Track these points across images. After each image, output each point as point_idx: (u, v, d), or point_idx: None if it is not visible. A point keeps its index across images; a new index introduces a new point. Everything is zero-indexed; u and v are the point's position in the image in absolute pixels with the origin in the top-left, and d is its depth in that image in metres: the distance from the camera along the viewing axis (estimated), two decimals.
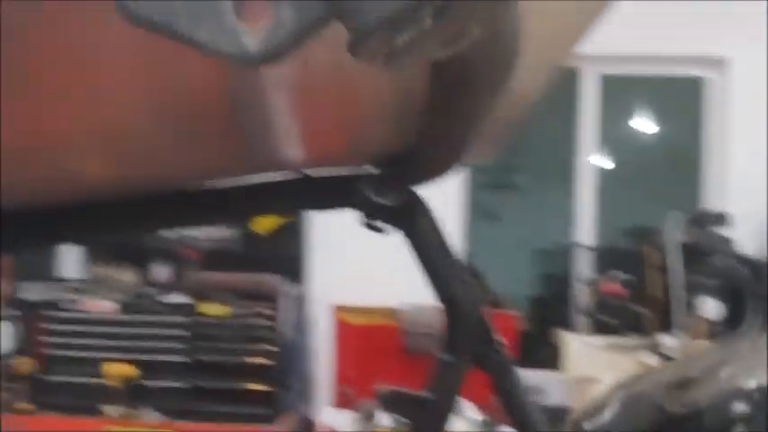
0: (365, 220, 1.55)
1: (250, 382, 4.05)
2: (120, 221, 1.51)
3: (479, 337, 1.60)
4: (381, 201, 1.47)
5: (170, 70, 0.76)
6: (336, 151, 1.39)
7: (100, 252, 4.78)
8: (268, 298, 4.21)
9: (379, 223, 1.58)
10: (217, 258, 4.48)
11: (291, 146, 1.37)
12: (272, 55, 0.22)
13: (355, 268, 4.31)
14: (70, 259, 5.04)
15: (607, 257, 4.80)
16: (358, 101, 1.05)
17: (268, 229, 4.42)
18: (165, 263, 4.56)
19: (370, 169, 1.43)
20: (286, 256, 4.48)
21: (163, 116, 1.00)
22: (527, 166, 5.96)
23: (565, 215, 5.05)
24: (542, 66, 0.91)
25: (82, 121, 0.98)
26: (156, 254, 4.60)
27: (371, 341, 4.25)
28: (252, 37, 0.21)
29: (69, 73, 0.74)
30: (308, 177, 1.49)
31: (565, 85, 5.03)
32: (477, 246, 5.61)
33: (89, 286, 4.44)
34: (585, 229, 4.95)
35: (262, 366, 4.07)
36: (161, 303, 4.24)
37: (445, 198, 4.75)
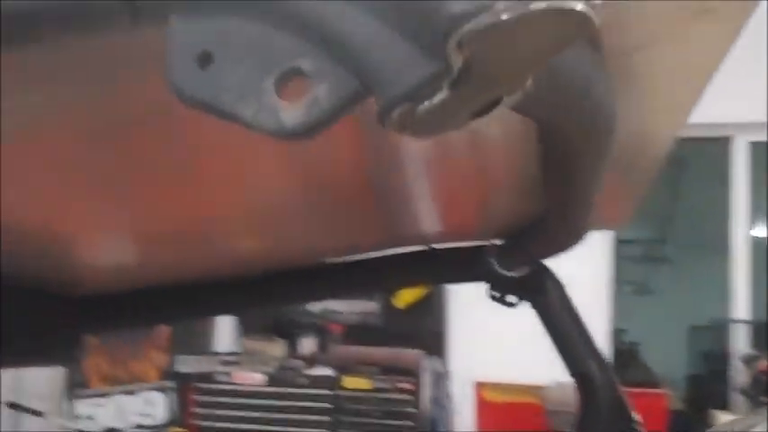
0: (492, 292, 1.55)
1: None
2: (269, 294, 1.61)
3: (615, 414, 1.54)
4: (508, 273, 1.47)
5: (313, 156, 0.84)
6: (469, 225, 1.42)
7: (251, 326, 4.99)
8: (409, 373, 4.22)
9: (508, 296, 1.58)
10: (359, 332, 4.56)
11: (427, 221, 1.41)
12: (309, 130, 0.25)
13: (497, 343, 4.25)
14: (223, 333, 5.29)
15: (765, 333, 4.49)
16: (489, 177, 1.08)
17: (408, 303, 4.47)
18: (310, 336, 4.69)
19: (497, 242, 1.44)
20: (426, 331, 4.50)
21: (308, 198, 1.08)
22: (678, 239, 5.74)
23: (719, 288, 4.79)
24: (666, 122, 0.91)
25: (237, 206, 1.09)
26: (302, 327, 4.75)
27: (513, 419, 4.15)
28: (290, 113, 0.25)
29: (226, 165, 0.83)
30: (434, 250, 1.52)
31: (715, 154, 4.84)
32: (629, 321, 5.40)
33: (240, 359, 4.62)
34: (741, 302, 4.67)
35: None
36: (306, 376, 4.34)
37: (594, 272, 4.66)
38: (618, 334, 5.49)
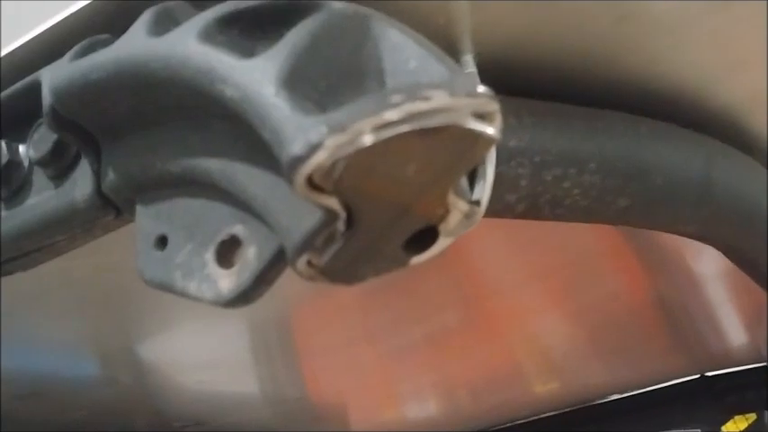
0: None
1: None
2: None
3: None
4: None
5: (598, 293, 0.84)
6: (745, 346, 1.28)
7: None
8: None
9: None
10: None
11: (707, 345, 1.30)
12: (242, 296, 0.25)
13: None
14: None
15: None
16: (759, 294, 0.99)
17: None
18: None
19: None
20: None
21: (594, 334, 1.07)
22: None
23: None
24: None
25: (531, 353, 1.12)
26: None
27: None
28: (226, 281, 0.25)
29: (521, 327, 0.89)
30: (709, 377, 1.38)
31: None
32: None
33: None
34: None
35: None
36: None
37: None
38: None
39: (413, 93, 0.21)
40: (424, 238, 0.25)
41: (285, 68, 0.22)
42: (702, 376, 1.32)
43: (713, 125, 0.46)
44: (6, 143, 0.32)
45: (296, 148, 0.21)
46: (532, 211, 0.39)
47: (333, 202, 0.22)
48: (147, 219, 0.28)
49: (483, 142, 0.22)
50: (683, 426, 4.07)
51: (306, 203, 0.22)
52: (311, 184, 0.21)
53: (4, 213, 0.33)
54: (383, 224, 0.23)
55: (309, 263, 0.24)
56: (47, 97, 0.29)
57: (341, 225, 0.23)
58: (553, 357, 1.20)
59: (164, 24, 0.26)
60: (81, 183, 0.30)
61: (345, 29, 0.24)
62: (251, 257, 0.25)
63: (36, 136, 0.31)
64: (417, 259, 0.25)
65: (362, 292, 0.69)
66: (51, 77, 0.28)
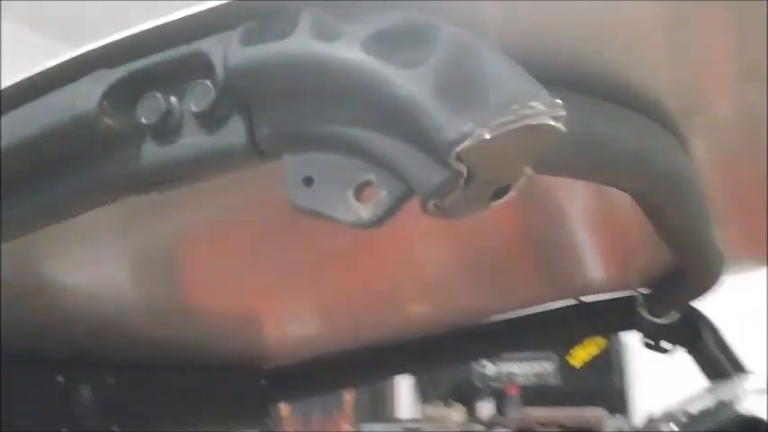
0: (646, 340, 1.59)
1: None
2: (442, 353, 1.74)
3: None
4: (658, 320, 1.51)
5: (474, 227, 0.97)
6: (619, 276, 1.49)
7: (430, 393, 5.10)
8: None
9: (662, 343, 1.60)
10: (536, 393, 4.54)
11: (580, 275, 1.49)
12: (378, 221, 0.37)
13: (682, 398, 4.09)
14: (404, 401, 5.43)
15: None
16: (632, 232, 1.16)
17: (584, 361, 4.41)
18: (488, 400, 4.72)
19: (644, 291, 1.49)
20: (606, 389, 4.40)
21: (471, 263, 1.22)
22: None
23: None
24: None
25: (410, 280, 1.25)
26: (479, 392, 4.80)
27: None
28: (365, 212, 0.37)
29: (394, 247, 0.99)
30: (587, 303, 1.59)
31: None
32: None
33: (421, 425, 4.72)
34: None
35: None
36: None
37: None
38: None
39: (523, 103, 0.34)
40: (501, 190, 0.39)
41: (438, 81, 0.35)
42: (578, 302, 1.52)
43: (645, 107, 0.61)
44: (162, 96, 0.42)
45: (452, 135, 0.34)
46: None
47: (462, 167, 0.35)
48: (296, 163, 0.40)
49: (556, 133, 0.36)
50: (550, 348, 4.44)
51: (436, 164, 0.35)
52: (456, 156, 0.34)
53: (154, 148, 0.43)
54: (487, 182, 0.37)
55: (435, 204, 0.37)
56: (220, 72, 0.39)
57: (462, 181, 0.36)
58: (429, 282, 1.31)
59: (324, 31, 0.38)
60: (236, 133, 0.41)
61: (464, 51, 0.36)
62: (383, 197, 0.38)
63: (195, 93, 0.42)
64: (495, 204, 0.39)
65: (254, 223, 0.77)
66: (227, 56, 0.39)
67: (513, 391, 4.63)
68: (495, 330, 1.70)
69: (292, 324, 1.51)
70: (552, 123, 0.35)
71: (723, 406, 0.47)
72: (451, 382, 4.98)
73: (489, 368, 4.82)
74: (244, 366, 1.65)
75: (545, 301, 1.62)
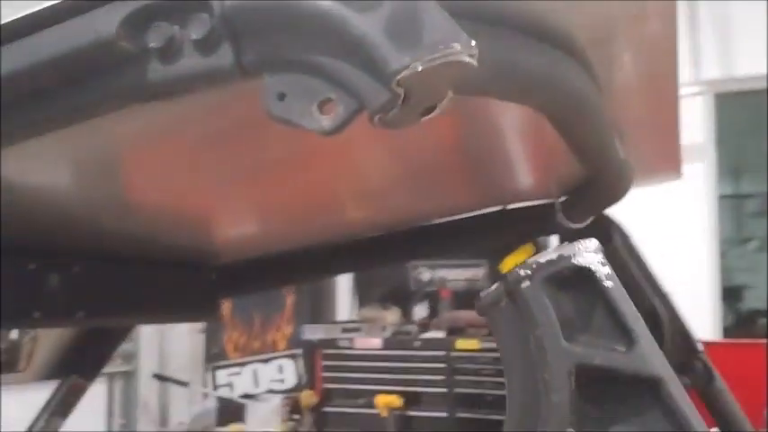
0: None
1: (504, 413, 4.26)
2: (380, 254, 1.88)
3: (679, 344, 1.73)
4: (574, 225, 1.69)
5: (409, 143, 1.09)
6: (539, 185, 1.64)
7: (367, 297, 5.33)
8: None
9: None
10: (467, 297, 4.80)
11: (506, 184, 1.64)
12: (336, 129, 0.50)
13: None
14: (343, 304, 5.66)
15: None
16: (550, 144, 1.31)
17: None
18: (422, 303, 4.98)
19: (561, 199, 1.66)
20: None
21: (406, 176, 1.34)
22: None
23: None
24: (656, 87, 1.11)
25: (349, 187, 1.36)
26: (414, 295, 5.05)
27: None
28: (327, 122, 0.50)
29: (339, 160, 1.10)
30: (507, 210, 1.75)
31: None
32: (756, 277, 5.40)
33: (360, 326, 4.97)
34: None
35: None
36: (420, 339, 4.63)
37: (701, 228, 4.69)
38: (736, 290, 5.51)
39: (447, 44, 0.47)
40: (429, 108, 0.52)
41: (387, 23, 0.47)
42: (503, 209, 1.68)
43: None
44: (168, 24, 0.54)
45: (394, 66, 0.46)
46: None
47: (400, 90, 0.48)
48: (272, 82, 0.52)
49: (470, 67, 0.49)
50: (479, 253, 4.64)
51: (382, 88, 0.48)
52: (396, 82, 0.47)
53: (159, 67, 0.54)
54: (418, 102, 0.50)
55: (380, 118, 0.50)
56: (218, 8, 0.51)
57: (400, 101, 0.49)
58: (368, 188, 1.42)
59: None
60: (226, 57, 0.53)
61: (409, 7, 0.48)
62: (341, 111, 0.51)
63: (195, 24, 0.53)
64: (424, 119, 0.52)
65: (205, 130, 0.86)
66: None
67: (446, 295, 4.89)
68: (429, 233, 1.84)
69: (239, 224, 1.64)
70: (467, 60, 0.48)
71: (562, 257, 0.59)
72: (388, 286, 5.22)
73: (424, 274, 5.06)
74: (195, 263, 1.78)
75: (476, 209, 1.77)
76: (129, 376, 5.06)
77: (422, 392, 4.51)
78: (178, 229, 1.49)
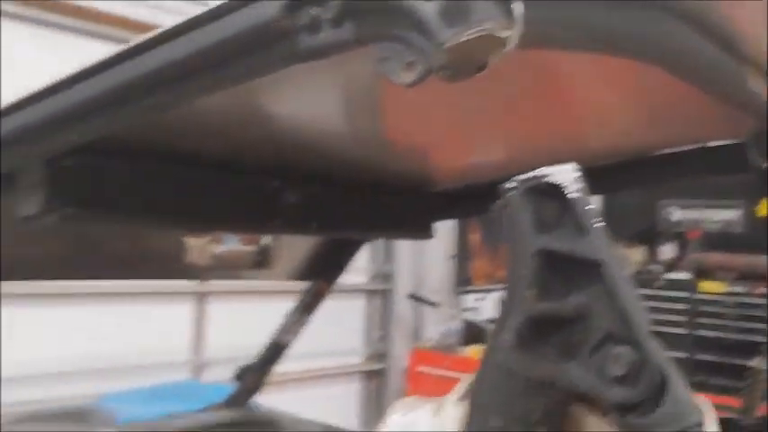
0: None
1: (746, 358, 4.13)
2: (607, 182, 1.97)
3: None
4: (764, 164, 1.70)
5: (640, 80, 1.22)
6: (731, 125, 1.65)
7: (615, 234, 5.33)
8: (765, 279, 4.23)
9: None
10: (719, 239, 4.64)
11: (705, 122, 1.68)
12: (413, 83, 0.71)
13: None
14: None
15: None
16: None
17: None
18: (670, 243, 4.90)
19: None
20: None
21: (637, 109, 1.44)
22: None
23: None
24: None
25: (581, 115, 1.50)
26: (662, 235, 4.97)
27: None
28: (407, 78, 0.71)
29: (578, 96, 1.26)
30: (707, 147, 1.79)
31: None
32: None
33: None
34: None
35: (757, 344, 4.12)
36: (664, 279, 4.59)
37: None
38: None
39: (482, 24, 0.65)
40: (481, 66, 0.71)
41: (441, 8, 0.67)
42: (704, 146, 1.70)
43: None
44: (313, 8, 0.77)
45: (442, 38, 0.66)
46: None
47: (451, 56, 0.67)
48: (377, 48, 0.74)
49: (504, 41, 0.67)
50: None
51: (438, 54, 0.68)
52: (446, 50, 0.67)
53: (306, 38, 0.79)
54: (468, 62, 0.69)
55: (442, 74, 0.70)
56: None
57: (453, 63, 0.68)
58: (603, 119, 1.51)
59: None
60: (349, 31, 0.75)
61: None
62: (418, 70, 0.71)
63: (329, 7, 0.76)
64: (477, 75, 0.71)
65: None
66: None
67: (695, 236, 4.76)
68: (644, 164, 1.90)
69: (458, 156, 1.84)
70: (501, 35, 0.66)
71: (544, 175, 0.70)
72: (636, 226, 5.18)
73: (674, 214, 4.95)
74: (413, 189, 2.04)
75: (680, 145, 1.83)
76: (386, 294, 5.57)
77: (662, 332, 4.49)
78: (402, 159, 1.75)
